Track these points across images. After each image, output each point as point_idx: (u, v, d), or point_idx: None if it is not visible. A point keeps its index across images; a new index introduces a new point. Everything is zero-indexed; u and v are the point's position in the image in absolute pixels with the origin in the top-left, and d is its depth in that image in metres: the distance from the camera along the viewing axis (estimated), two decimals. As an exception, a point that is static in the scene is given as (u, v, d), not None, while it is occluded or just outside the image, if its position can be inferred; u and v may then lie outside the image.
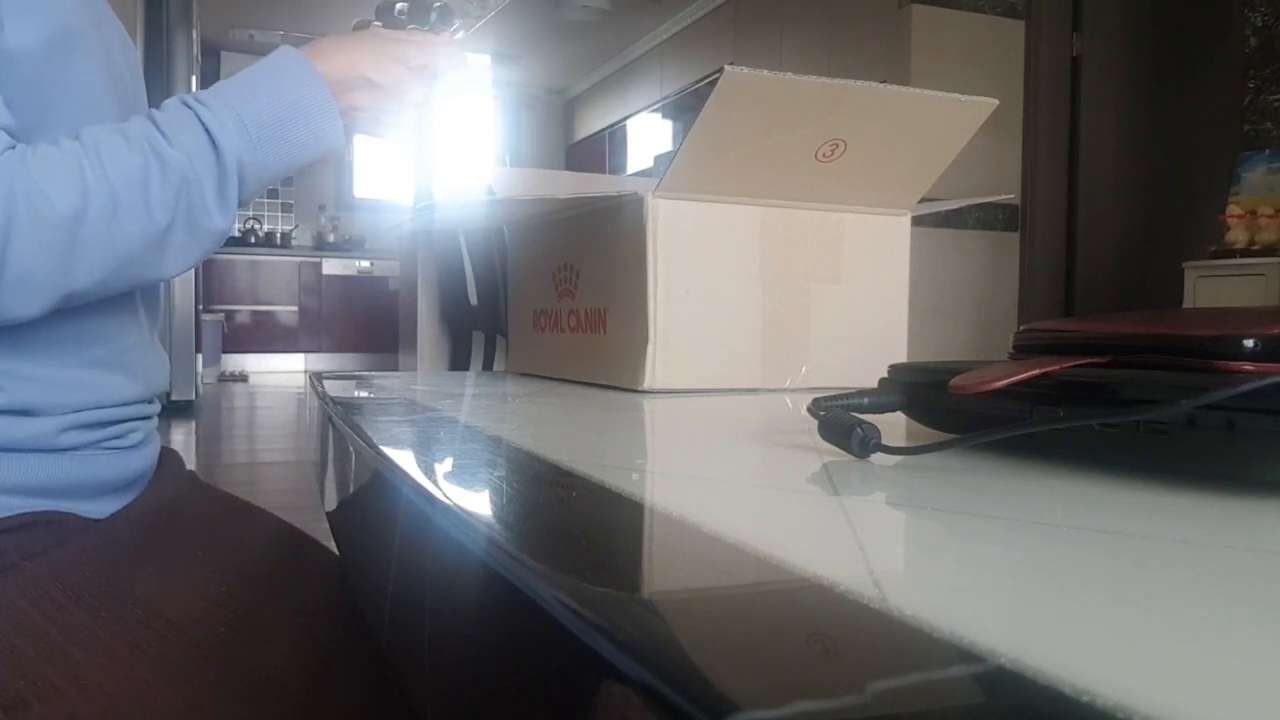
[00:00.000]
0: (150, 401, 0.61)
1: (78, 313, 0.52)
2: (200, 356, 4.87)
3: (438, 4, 0.68)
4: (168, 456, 0.66)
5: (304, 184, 6.49)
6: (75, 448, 0.53)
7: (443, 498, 0.30)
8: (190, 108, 0.51)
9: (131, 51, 0.65)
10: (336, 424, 0.53)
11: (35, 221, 0.44)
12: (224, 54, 6.13)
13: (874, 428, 0.35)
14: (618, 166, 6.54)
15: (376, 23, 0.71)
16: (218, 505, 0.66)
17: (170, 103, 0.52)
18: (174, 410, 4.04)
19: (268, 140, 0.53)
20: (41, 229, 0.44)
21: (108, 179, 0.47)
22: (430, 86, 0.62)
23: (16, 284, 0.44)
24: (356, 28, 0.68)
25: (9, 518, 0.49)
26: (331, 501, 0.56)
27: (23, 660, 0.44)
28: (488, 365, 2.99)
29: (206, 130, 0.50)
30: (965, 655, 0.16)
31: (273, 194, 6.40)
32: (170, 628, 0.49)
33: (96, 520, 0.55)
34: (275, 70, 0.55)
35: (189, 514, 0.62)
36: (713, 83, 0.61)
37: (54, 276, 0.46)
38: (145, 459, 0.60)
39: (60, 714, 0.43)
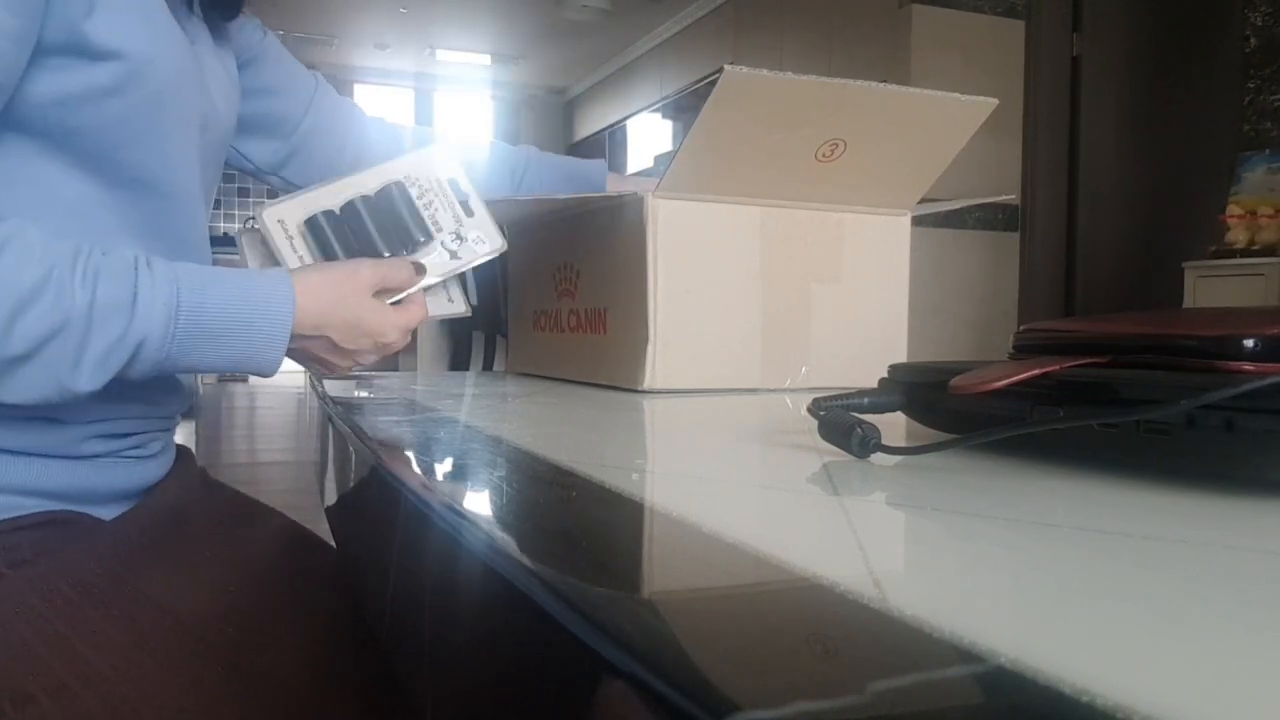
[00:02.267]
0: (171, 415, 0.62)
1: None
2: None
3: (421, 235, 0.64)
4: (179, 454, 0.66)
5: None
6: (97, 456, 0.54)
7: (442, 498, 0.30)
8: (135, 270, 0.47)
9: (233, 100, 0.64)
10: (336, 424, 0.53)
11: None
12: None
13: (874, 428, 0.35)
14: (618, 167, 6.54)
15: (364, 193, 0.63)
16: (227, 504, 0.66)
17: (124, 253, 0.48)
18: (173, 410, 4.03)
19: (191, 341, 0.48)
20: None
21: None
22: (386, 352, 0.60)
23: None
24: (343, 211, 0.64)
25: (25, 516, 0.50)
26: (331, 501, 0.56)
27: (33, 656, 0.44)
28: (488, 365, 2.99)
29: (135, 295, 0.46)
30: (965, 655, 0.16)
31: (272, 194, 6.40)
32: (179, 626, 0.49)
33: (107, 519, 0.55)
34: (251, 283, 0.52)
35: (199, 513, 0.62)
36: (712, 83, 0.61)
37: None
38: (162, 467, 0.61)
39: (68, 710, 0.43)
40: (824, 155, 0.69)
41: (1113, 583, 0.21)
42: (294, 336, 0.53)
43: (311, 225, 0.63)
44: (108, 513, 0.56)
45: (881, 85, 0.66)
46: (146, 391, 0.57)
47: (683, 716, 0.14)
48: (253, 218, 0.66)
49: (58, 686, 0.44)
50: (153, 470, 0.60)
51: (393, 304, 0.60)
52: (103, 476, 0.55)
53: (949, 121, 0.71)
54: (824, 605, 0.19)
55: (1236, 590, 0.21)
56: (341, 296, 0.56)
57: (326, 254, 0.63)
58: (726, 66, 0.60)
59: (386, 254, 0.63)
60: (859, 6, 3.56)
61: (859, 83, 0.65)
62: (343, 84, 6.60)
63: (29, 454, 0.51)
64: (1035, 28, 3.28)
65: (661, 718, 0.15)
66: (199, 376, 4.76)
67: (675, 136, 5.56)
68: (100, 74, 0.48)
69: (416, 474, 0.36)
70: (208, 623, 0.50)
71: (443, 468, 0.41)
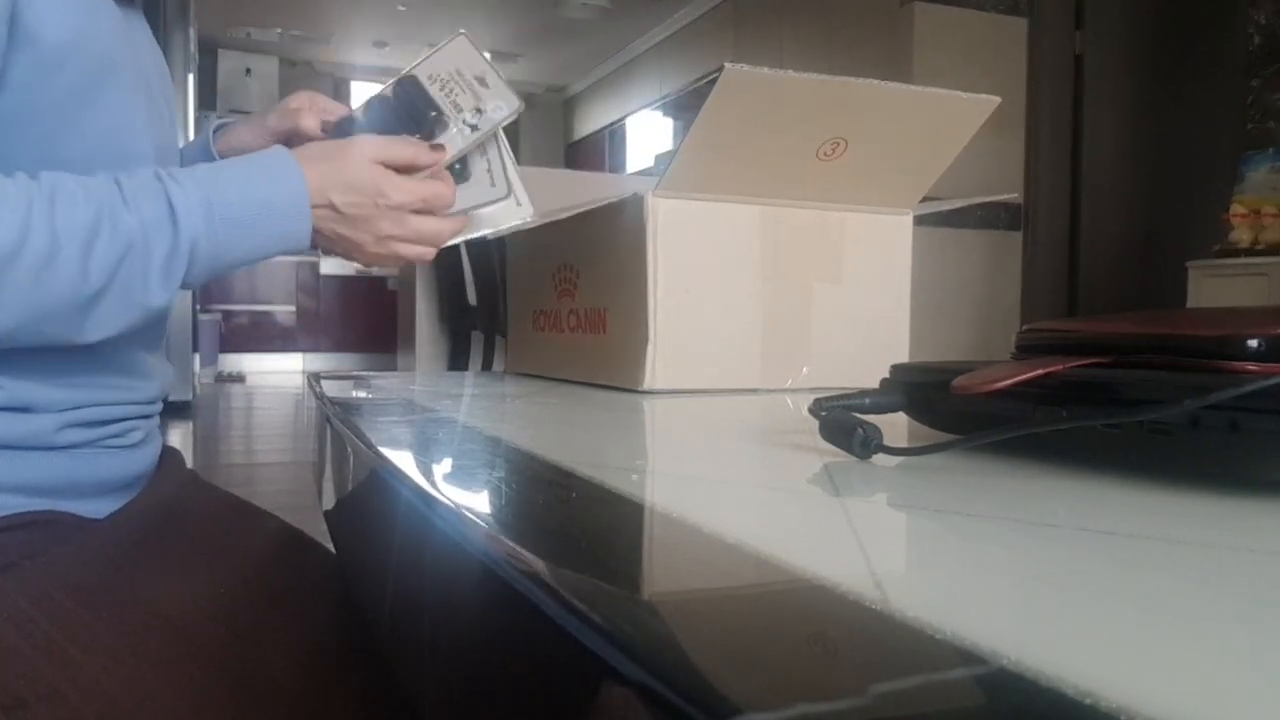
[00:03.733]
0: (152, 401, 0.61)
1: None
2: (197, 356, 4.88)
3: (433, 112, 0.65)
4: (169, 455, 0.66)
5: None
6: (75, 445, 0.53)
7: (441, 498, 0.30)
8: (161, 181, 0.50)
9: (167, 78, 0.65)
10: (334, 424, 0.52)
11: None
12: (221, 52, 6.13)
13: (875, 428, 0.35)
14: (617, 165, 6.54)
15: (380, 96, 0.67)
16: (218, 505, 0.66)
17: (143, 172, 0.51)
18: (171, 410, 4.03)
19: (231, 230, 0.51)
20: None
21: (53, 226, 0.45)
22: (409, 228, 0.60)
23: None
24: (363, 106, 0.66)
25: (9, 516, 0.50)
26: (329, 502, 0.56)
27: (22, 660, 0.44)
28: (487, 365, 2.99)
29: (170, 204, 0.49)
30: (967, 657, 0.16)
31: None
32: (170, 628, 0.49)
33: (95, 520, 0.55)
34: (257, 165, 0.54)
35: (190, 514, 0.62)
36: (713, 81, 0.61)
37: None
38: (146, 458, 0.61)
39: (59, 714, 0.43)
40: (825, 154, 0.69)
41: (1116, 584, 0.21)
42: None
43: (339, 128, 0.66)
44: (96, 509, 0.55)
45: (883, 83, 0.65)
46: (118, 375, 0.56)
47: (683, 718, 0.14)
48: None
49: (49, 691, 0.43)
50: (137, 461, 0.59)
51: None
52: (84, 468, 0.54)
53: (951, 120, 0.71)
54: (825, 606, 0.19)
55: (1240, 592, 0.21)
56: (336, 159, 0.57)
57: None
58: (727, 64, 0.60)
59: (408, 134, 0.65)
60: (860, 4, 3.55)
61: (860, 81, 0.64)
62: (340, 82, 6.59)
63: (3, 447, 0.50)
64: (1037, 26, 3.28)
65: (662, 719, 0.15)
66: (196, 376, 4.70)
67: (675, 135, 5.56)
68: (41, 52, 0.49)
69: (415, 475, 0.36)
70: (200, 625, 0.50)
71: (441, 468, 0.41)
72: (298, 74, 6.41)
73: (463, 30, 0.68)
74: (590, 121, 6.79)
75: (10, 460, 0.50)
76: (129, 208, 0.48)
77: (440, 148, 0.63)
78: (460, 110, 0.66)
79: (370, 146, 0.58)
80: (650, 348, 0.68)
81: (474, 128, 0.65)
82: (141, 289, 0.48)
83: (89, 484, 0.55)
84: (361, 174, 0.57)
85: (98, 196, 0.47)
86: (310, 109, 0.67)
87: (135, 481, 0.59)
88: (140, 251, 0.48)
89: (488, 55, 0.68)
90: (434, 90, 0.66)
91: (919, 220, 0.78)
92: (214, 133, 0.70)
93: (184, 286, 0.52)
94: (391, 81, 0.67)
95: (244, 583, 0.56)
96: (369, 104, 0.66)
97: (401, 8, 5.28)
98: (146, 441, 0.61)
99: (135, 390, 0.58)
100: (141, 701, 0.45)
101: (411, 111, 0.65)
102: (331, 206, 0.56)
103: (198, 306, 4.89)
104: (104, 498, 0.56)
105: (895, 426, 0.43)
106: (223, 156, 0.67)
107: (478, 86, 0.66)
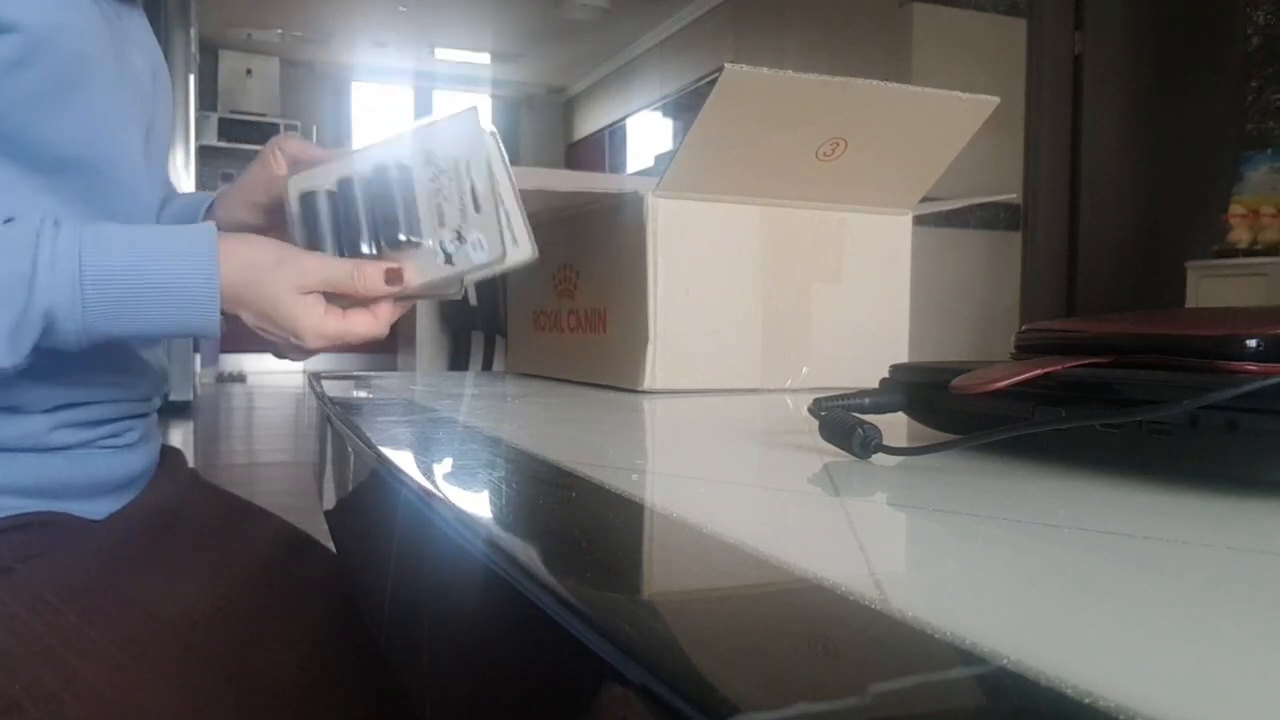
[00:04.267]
0: (147, 399, 0.60)
1: None
2: (198, 356, 4.87)
3: (405, 234, 0.53)
4: (170, 455, 0.66)
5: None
6: (69, 446, 0.53)
7: (442, 498, 0.30)
8: (38, 235, 0.45)
9: (164, 78, 0.63)
10: (335, 424, 0.52)
11: None
12: (222, 52, 6.13)
13: (875, 428, 0.35)
14: (618, 165, 6.53)
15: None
16: (219, 505, 0.66)
17: (28, 221, 0.46)
18: (171, 410, 4.04)
19: (109, 304, 0.46)
20: None
21: None
22: (335, 336, 0.52)
23: None
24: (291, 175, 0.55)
25: (2, 519, 0.49)
26: (330, 502, 0.56)
27: (17, 664, 0.44)
28: (487, 365, 2.99)
29: (33, 265, 0.44)
30: (967, 657, 0.16)
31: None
32: (167, 631, 0.48)
33: (93, 521, 0.54)
34: (170, 241, 0.48)
35: (189, 515, 0.61)
36: (713, 81, 0.61)
37: None
38: (144, 458, 0.60)
39: (55, 718, 0.43)
40: (825, 154, 0.69)
41: (1115, 584, 0.21)
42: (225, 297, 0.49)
43: (305, 201, 0.55)
44: (93, 509, 0.55)
45: (883, 84, 0.65)
46: (111, 374, 0.56)
47: (683, 718, 0.14)
48: None
49: (45, 695, 0.43)
50: (134, 461, 0.58)
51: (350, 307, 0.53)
52: (78, 468, 0.53)
53: (950, 120, 0.71)
54: (825, 606, 0.19)
55: (1239, 591, 0.21)
56: (258, 280, 0.50)
57: (311, 236, 0.54)
58: (727, 65, 0.60)
59: (367, 249, 0.53)
60: (859, 5, 3.56)
61: (860, 81, 0.64)
62: (341, 82, 6.59)
63: None
64: (1037, 26, 3.28)
65: (661, 719, 0.15)
66: (196, 376, 4.70)
67: (675, 135, 5.56)
68: (3, 47, 0.47)
69: (415, 475, 0.36)
70: (198, 627, 0.50)
71: (442, 468, 0.41)
72: (299, 75, 6.41)
73: (473, 108, 0.55)
74: (590, 122, 6.79)
75: (3, 462, 0.50)
76: None
77: (396, 273, 0.52)
78: (442, 224, 0.53)
79: (301, 277, 0.51)
80: (650, 348, 0.68)
81: (448, 257, 0.53)
82: None
83: (84, 485, 0.54)
84: (281, 308, 0.50)
85: None
86: (283, 158, 0.58)
87: (132, 482, 0.59)
88: None
89: (505, 158, 0.55)
90: (422, 187, 0.53)
91: (918, 220, 0.78)
92: (207, 207, 0.64)
93: (62, 347, 0.47)
94: (380, 150, 0.54)
95: (243, 583, 0.55)
96: (344, 186, 0.54)
97: (402, 8, 5.28)
98: (143, 441, 0.60)
99: (128, 388, 0.58)
100: (138, 704, 0.45)
101: (386, 211, 0.53)
102: (241, 318, 0.52)
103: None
104: (101, 498, 0.56)
105: (895, 426, 0.43)
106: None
107: (467, 199, 0.53)
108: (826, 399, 0.40)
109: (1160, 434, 0.30)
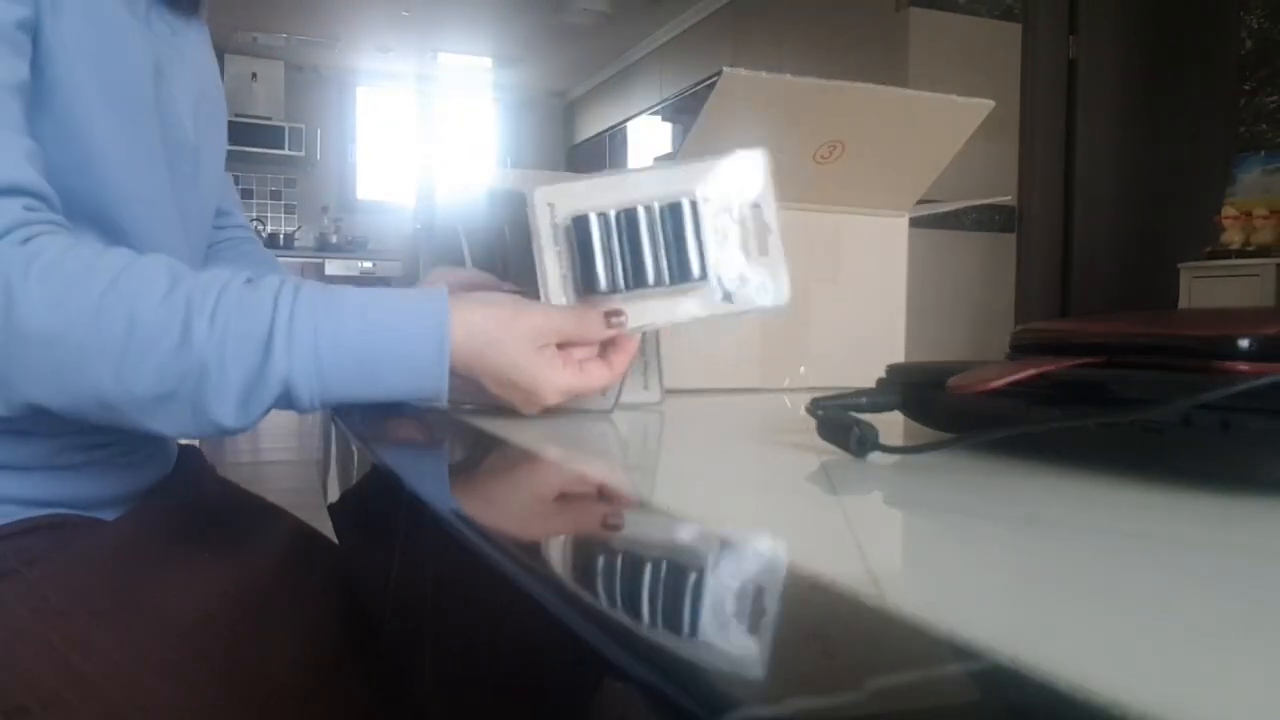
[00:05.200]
0: None
1: None
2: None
3: (696, 260, 0.51)
4: (187, 454, 0.66)
5: (306, 186, 6.48)
6: (77, 465, 0.52)
7: (444, 497, 0.30)
8: (275, 305, 0.44)
9: (210, 97, 0.60)
10: (339, 422, 0.53)
11: (9, 329, 0.41)
12: (227, 56, 6.12)
13: (872, 427, 0.35)
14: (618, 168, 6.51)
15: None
16: (233, 503, 0.65)
17: (266, 283, 0.45)
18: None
19: (342, 369, 0.45)
20: (13, 338, 0.41)
21: (99, 315, 0.41)
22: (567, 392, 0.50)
23: None
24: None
25: (9, 525, 0.49)
26: (334, 500, 0.56)
27: (23, 667, 0.44)
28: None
29: (270, 333, 0.43)
30: (962, 653, 0.16)
31: (275, 194, 6.39)
32: (174, 631, 0.48)
33: (104, 520, 0.54)
34: (404, 309, 0.47)
35: (200, 515, 0.61)
36: (712, 85, 0.61)
37: (21, 385, 0.42)
38: (157, 469, 0.60)
39: None
40: (822, 157, 0.69)
41: (1109, 581, 0.21)
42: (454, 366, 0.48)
43: (579, 224, 0.51)
44: (106, 514, 0.55)
45: (880, 87, 0.66)
46: None
47: (682, 713, 0.14)
48: None
49: (50, 697, 0.43)
50: (146, 474, 0.58)
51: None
52: (89, 484, 0.53)
53: (946, 123, 0.71)
54: (822, 603, 0.19)
55: (1231, 588, 0.21)
56: (496, 339, 0.48)
57: (584, 262, 0.51)
58: (726, 68, 0.60)
59: (652, 282, 0.51)
60: (857, 10, 3.56)
61: (857, 84, 0.65)
62: (345, 86, 6.59)
63: (6, 468, 0.49)
64: (1032, 30, 3.29)
65: (661, 715, 0.15)
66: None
67: (675, 139, 5.56)
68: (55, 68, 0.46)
69: (419, 473, 0.36)
70: (204, 626, 0.49)
71: (443, 466, 0.41)
72: (304, 79, 6.39)
73: (753, 151, 0.53)
74: (591, 125, 6.79)
75: (15, 479, 0.50)
76: (212, 321, 0.43)
77: (617, 314, 0.50)
78: (724, 262, 0.51)
79: (543, 328, 0.49)
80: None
81: (727, 295, 0.51)
82: (213, 409, 0.43)
83: (97, 498, 0.54)
84: (520, 367, 0.48)
85: (180, 299, 0.43)
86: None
87: (144, 493, 0.58)
88: (212, 373, 0.42)
89: (772, 192, 0.53)
90: (708, 223, 0.51)
91: (915, 222, 0.78)
92: None
93: (297, 412, 0.46)
94: (647, 180, 0.52)
95: (251, 581, 0.55)
96: (629, 214, 0.51)
97: (405, 13, 5.28)
98: (157, 454, 0.60)
99: None
100: (144, 707, 0.45)
101: (678, 245, 0.51)
102: (483, 386, 0.49)
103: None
104: (114, 507, 0.55)
105: (892, 425, 0.43)
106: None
107: (751, 242, 0.52)
108: (824, 398, 0.40)
109: (1154, 433, 0.30)
